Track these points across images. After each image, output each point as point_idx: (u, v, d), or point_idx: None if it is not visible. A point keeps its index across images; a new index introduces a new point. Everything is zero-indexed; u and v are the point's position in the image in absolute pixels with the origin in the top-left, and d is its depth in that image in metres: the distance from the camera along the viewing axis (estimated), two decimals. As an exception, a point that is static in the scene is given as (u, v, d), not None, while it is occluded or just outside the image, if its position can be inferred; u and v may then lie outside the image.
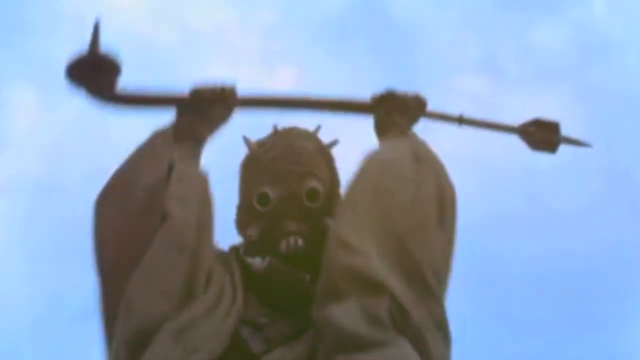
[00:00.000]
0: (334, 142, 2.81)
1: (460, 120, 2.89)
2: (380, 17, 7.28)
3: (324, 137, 2.82)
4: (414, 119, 2.77)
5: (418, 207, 2.40)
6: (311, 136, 2.79)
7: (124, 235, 2.35)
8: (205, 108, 2.63)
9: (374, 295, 2.17)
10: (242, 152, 2.80)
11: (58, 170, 6.53)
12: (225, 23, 7.36)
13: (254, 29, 7.35)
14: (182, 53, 6.74)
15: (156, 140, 2.57)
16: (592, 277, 6.72)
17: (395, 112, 2.73)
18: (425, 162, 2.55)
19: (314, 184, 2.62)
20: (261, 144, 2.76)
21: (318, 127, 2.82)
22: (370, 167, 2.50)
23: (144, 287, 2.23)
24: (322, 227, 2.58)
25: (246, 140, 2.80)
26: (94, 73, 2.61)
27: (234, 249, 2.63)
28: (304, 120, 2.83)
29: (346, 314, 2.14)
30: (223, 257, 2.52)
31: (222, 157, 2.75)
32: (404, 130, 2.71)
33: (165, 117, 2.64)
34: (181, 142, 2.54)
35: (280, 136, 2.76)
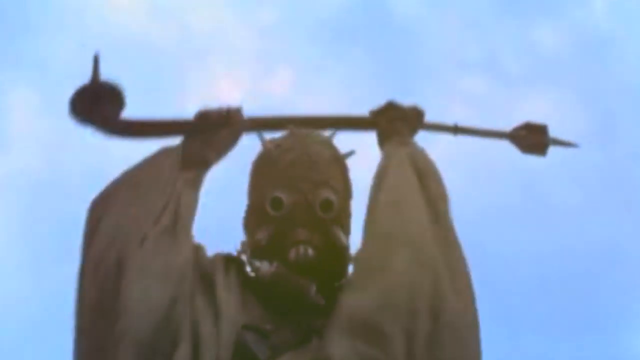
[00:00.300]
0: (351, 153, 2.79)
1: (455, 130, 2.98)
2: (379, 18, 7.28)
3: (339, 143, 2.83)
4: (412, 131, 2.80)
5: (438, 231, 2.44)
6: (328, 143, 2.77)
7: (112, 267, 2.33)
8: (211, 132, 2.63)
9: (376, 341, 2.18)
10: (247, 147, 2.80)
11: (58, 170, 6.54)
12: (224, 23, 7.36)
13: (253, 29, 7.35)
14: (180, 53, 6.74)
15: (163, 162, 2.57)
16: (590, 275, 6.73)
17: (396, 120, 2.77)
18: (427, 175, 2.59)
19: (328, 194, 2.60)
20: (277, 144, 2.73)
21: (333, 133, 2.82)
22: (383, 202, 2.50)
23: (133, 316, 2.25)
24: (332, 238, 2.58)
25: (261, 137, 2.78)
26: (97, 105, 2.62)
27: (229, 257, 2.60)
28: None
29: (340, 353, 2.16)
30: (210, 266, 2.50)
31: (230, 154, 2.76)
32: (406, 138, 2.75)
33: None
34: (188, 169, 2.56)
35: (296, 139, 2.72)
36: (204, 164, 2.62)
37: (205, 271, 2.45)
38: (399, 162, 2.61)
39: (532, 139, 3.06)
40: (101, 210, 2.47)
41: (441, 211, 2.52)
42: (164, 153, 2.61)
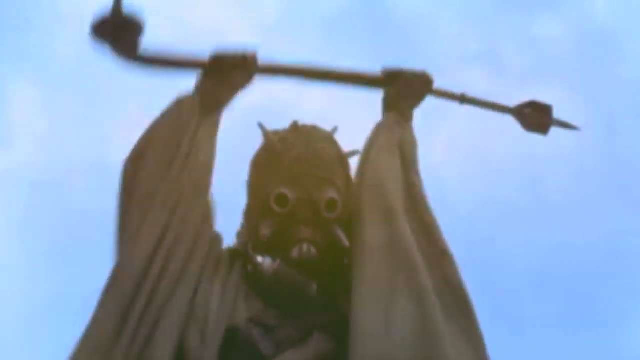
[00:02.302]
0: (354, 152, 2.81)
1: (462, 99, 3.02)
2: (381, 13, 7.28)
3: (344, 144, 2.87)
4: (420, 98, 2.89)
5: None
6: (333, 140, 2.80)
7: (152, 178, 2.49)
8: (226, 73, 2.69)
9: None
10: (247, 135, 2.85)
11: (57, 166, 6.52)
12: (226, 21, 7.34)
13: (254, 28, 7.34)
14: (182, 51, 6.72)
15: (183, 106, 2.64)
16: (590, 271, 6.73)
17: (403, 95, 2.86)
18: (410, 162, 2.73)
19: (333, 194, 2.63)
20: (281, 138, 2.74)
21: (335, 129, 2.83)
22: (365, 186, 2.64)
23: None
24: (334, 239, 2.60)
25: (262, 128, 2.79)
26: (118, 32, 2.66)
27: (235, 251, 2.62)
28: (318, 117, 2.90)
29: None
30: (219, 257, 2.54)
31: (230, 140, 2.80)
32: (406, 116, 2.85)
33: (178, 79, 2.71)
34: (206, 107, 2.64)
35: (301, 135, 2.74)
36: (220, 105, 2.71)
37: (217, 263, 2.51)
38: (389, 145, 2.72)
39: (536, 117, 3.10)
40: (136, 166, 2.56)
41: (417, 195, 2.64)
42: (182, 101, 2.67)
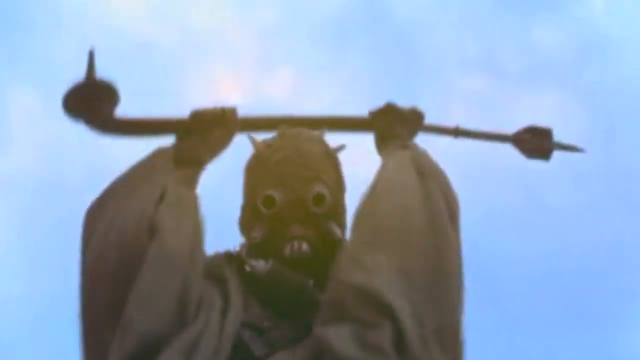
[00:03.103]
0: (341, 147, 2.79)
1: (456, 132, 2.94)
2: (379, 17, 7.28)
3: (331, 141, 2.81)
4: (412, 133, 2.78)
5: (433, 223, 2.38)
6: (318, 139, 2.77)
7: (113, 252, 2.32)
8: (205, 132, 2.62)
9: (376, 319, 2.13)
10: (244, 149, 2.79)
11: (58, 170, 6.53)
12: (224, 23, 7.35)
13: (253, 29, 7.34)
14: (181, 53, 6.74)
15: (156, 160, 2.57)
16: (590, 277, 6.73)
17: (395, 123, 2.75)
18: (430, 176, 2.53)
19: (320, 188, 2.61)
20: (268, 144, 2.73)
21: (323, 131, 2.81)
22: (380, 189, 2.47)
23: (142, 306, 2.20)
24: (326, 232, 2.59)
25: (251, 138, 2.78)
26: (91, 102, 2.59)
27: (230, 255, 2.60)
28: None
29: (338, 338, 2.11)
30: (214, 263, 2.50)
31: (225, 155, 2.75)
32: (405, 141, 2.72)
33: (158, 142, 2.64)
34: (181, 167, 2.55)
35: (287, 138, 2.73)
36: (197, 164, 2.61)
37: (210, 269, 2.44)
38: (400, 165, 2.56)
39: (536, 143, 2.99)
40: (97, 213, 2.46)
41: (452, 216, 2.45)
42: (157, 153, 2.60)
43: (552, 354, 6.01)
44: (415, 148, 2.70)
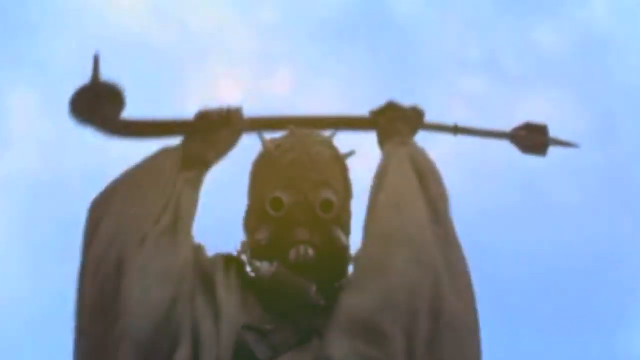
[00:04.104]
0: (351, 153, 2.79)
1: (455, 130, 2.98)
2: (380, 17, 7.28)
3: (341, 146, 2.82)
4: (412, 131, 2.81)
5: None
6: (328, 143, 2.78)
7: (112, 268, 2.34)
8: (211, 132, 2.64)
9: (374, 343, 2.18)
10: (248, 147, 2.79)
11: (57, 170, 6.54)
12: (224, 23, 7.35)
13: (253, 29, 7.35)
14: (181, 53, 6.74)
15: (164, 161, 2.59)
16: (589, 275, 6.73)
17: (397, 120, 2.78)
18: (426, 176, 2.59)
19: (328, 194, 2.60)
20: (277, 144, 2.73)
21: (333, 132, 2.82)
22: (380, 207, 2.50)
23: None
24: (332, 238, 2.59)
25: (261, 137, 2.78)
26: (97, 105, 2.61)
27: (229, 257, 2.60)
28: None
29: (341, 351, 2.16)
30: (209, 265, 2.50)
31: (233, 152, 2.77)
32: (406, 138, 2.76)
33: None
34: (188, 168, 2.58)
35: (296, 139, 2.72)
36: (204, 164, 2.64)
37: (206, 271, 2.45)
38: (399, 162, 2.62)
39: (532, 139, 3.06)
40: (101, 210, 2.48)
41: (441, 211, 2.52)
42: (164, 153, 2.62)
43: (551, 352, 6.02)
44: (413, 145, 2.74)
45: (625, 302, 6.65)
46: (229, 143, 2.71)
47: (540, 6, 7.43)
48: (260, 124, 2.79)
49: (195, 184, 2.59)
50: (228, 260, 2.57)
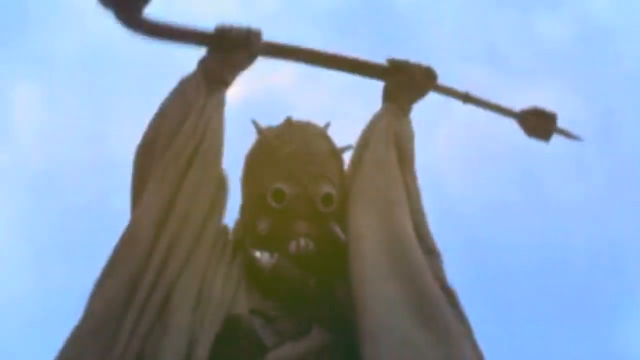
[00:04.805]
0: (348, 147, 2.82)
1: (466, 98, 3.01)
2: (382, 8, 7.27)
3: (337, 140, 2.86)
4: (422, 92, 2.89)
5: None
6: (326, 136, 2.81)
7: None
8: (229, 51, 2.69)
9: None
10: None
11: (58, 163, 6.53)
12: (226, 12, 7.34)
13: (255, 19, 7.34)
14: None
15: (188, 85, 2.65)
16: (590, 270, 6.73)
17: (404, 87, 2.86)
18: (404, 150, 2.75)
19: (329, 189, 2.64)
20: (276, 134, 2.75)
21: (327, 124, 2.84)
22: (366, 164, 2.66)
23: None
24: (330, 233, 2.62)
25: (256, 125, 2.80)
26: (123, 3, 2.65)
27: (238, 244, 2.62)
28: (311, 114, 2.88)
29: None
30: (224, 247, 2.55)
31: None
32: (404, 109, 2.86)
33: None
34: (210, 85, 2.65)
35: (295, 130, 2.75)
36: (224, 83, 2.70)
37: (220, 254, 2.52)
38: (385, 139, 2.74)
39: (540, 124, 3.09)
40: (146, 153, 2.57)
41: (412, 185, 2.67)
42: (186, 82, 2.68)
43: (551, 346, 6.02)
44: (404, 122, 2.84)
45: (625, 298, 6.66)
46: (245, 65, 2.75)
47: (541, -2, 7.42)
48: (276, 50, 2.82)
49: (223, 105, 2.68)
50: (236, 247, 2.60)
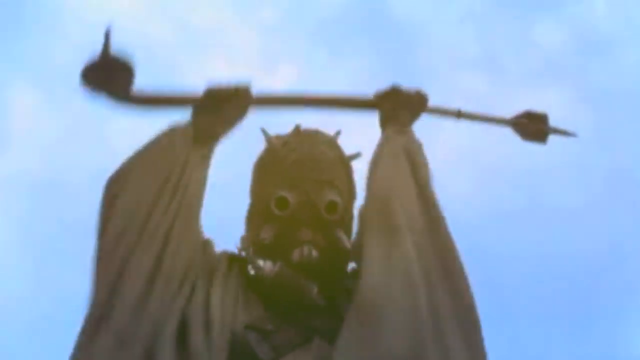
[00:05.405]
0: (357, 155, 2.81)
1: (459, 115, 3.00)
2: (380, 16, 7.29)
3: (347, 148, 2.84)
4: (416, 115, 2.82)
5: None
6: (334, 143, 2.79)
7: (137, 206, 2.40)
8: (219, 108, 2.65)
9: None
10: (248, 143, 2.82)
11: (58, 170, 6.53)
12: (226, 22, 7.36)
13: (254, 28, 7.35)
14: (182, 52, 6.74)
15: (174, 138, 2.59)
16: (590, 275, 6.73)
17: (399, 107, 2.79)
18: (418, 166, 2.62)
19: (334, 196, 2.62)
20: (283, 141, 2.74)
21: (338, 132, 2.83)
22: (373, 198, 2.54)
23: None
24: (335, 240, 2.60)
25: (265, 133, 2.79)
26: (109, 76, 2.64)
27: (233, 256, 2.61)
28: (322, 120, 2.88)
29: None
30: (218, 261, 2.52)
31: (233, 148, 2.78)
32: (405, 126, 2.77)
33: (172, 117, 2.68)
34: (200, 143, 2.58)
35: (303, 138, 2.75)
36: (214, 138, 2.65)
37: (211, 268, 2.47)
38: (393, 152, 2.64)
39: (533, 127, 3.09)
40: (117, 188, 2.48)
41: (430, 200, 2.54)
42: (174, 130, 2.62)
43: (552, 352, 6.02)
44: (411, 136, 2.76)
45: (626, 303, 6.65)
46: (237, 118, 2.71)
47: (540, 4, 7.43)
48: (266, 101, 2.80)
49: (207, 160, 2.60)
50: (232, 259, 2.57)
